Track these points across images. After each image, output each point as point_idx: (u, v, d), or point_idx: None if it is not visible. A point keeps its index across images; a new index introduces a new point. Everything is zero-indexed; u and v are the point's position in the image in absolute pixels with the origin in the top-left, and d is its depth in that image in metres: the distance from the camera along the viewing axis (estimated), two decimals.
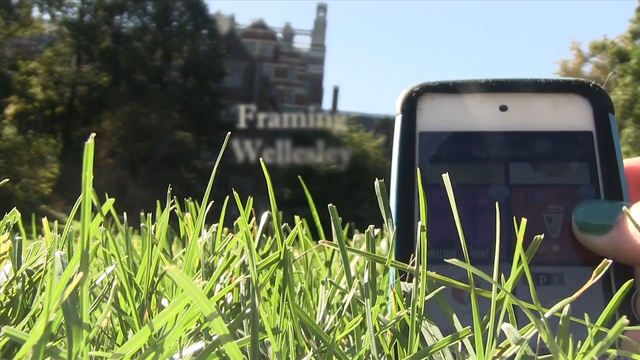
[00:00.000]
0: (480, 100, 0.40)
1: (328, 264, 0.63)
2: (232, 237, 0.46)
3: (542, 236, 0.30)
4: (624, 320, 0.25)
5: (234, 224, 0.52)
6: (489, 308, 0.29)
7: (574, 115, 0.40)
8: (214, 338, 0.27)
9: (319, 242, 0.41)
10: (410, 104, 0.41)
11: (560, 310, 0.27)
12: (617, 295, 0.30)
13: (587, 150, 0.39)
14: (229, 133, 0.42)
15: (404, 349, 0.31)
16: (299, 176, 0.76)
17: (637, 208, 0.34)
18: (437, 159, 0.40)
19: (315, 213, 0.61)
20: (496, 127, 0.40)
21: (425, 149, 0.40)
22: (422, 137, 0.40)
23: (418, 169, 0.35)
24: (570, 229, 0.37)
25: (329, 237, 0.55)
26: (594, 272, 0.29)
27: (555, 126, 0.40)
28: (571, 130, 0.40)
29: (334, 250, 0.63)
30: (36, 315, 0.39)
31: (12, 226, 0.48)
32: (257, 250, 0.47)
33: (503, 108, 0.40)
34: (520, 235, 0.28)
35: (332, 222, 0.36)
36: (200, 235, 0.44)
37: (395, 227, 0.36)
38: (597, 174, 0.38)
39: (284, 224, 0.55)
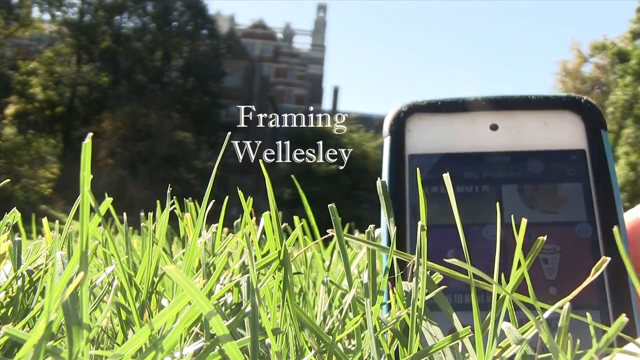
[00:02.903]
0: (471, 119, 0.40)
1: (327, 267, 0.63)
2: (232, 237, 0.46)
3: (545, 237, 0.30)
4: (624, 319, 0.25)
5: (234, 224, 0.52)
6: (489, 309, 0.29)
7: (566, 133, 0.39)
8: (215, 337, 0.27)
9: (321, 238, 0.41)
10: (399, 125, 0.40)
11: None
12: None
13: (581, 170, 0.38)
14: (229, 133, 0.42)
15: (404, 349, 0.31)
16: (295, 177, 0.75)
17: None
18: (428, 182, 0.39)
19: (310, 213, 0.60)
20: (487, 147, 0.40)
21: (415, 172, 0.38)
22: (411, 159, 0.40)
23: (418, 169, 0.34)
24: (569, 269, 0.36)
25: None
26: (592, 270, 0.29)
27: (547, 145, 0.39)
28: (564, 149, 0.39)
29: (332, 249, 0.63)
30: (36, 315, 0.39)
31: (12, 226, 0.48)
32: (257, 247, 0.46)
33: (494, 127, 0.40)
34: (520, 237, 0.28)
35: (332, 222, 0.36)
36: (200, 235, 0.44)
37: (385, 266, 0.35)
38: (591, 199, 0.37)
39: (284, 224, 0.55)
